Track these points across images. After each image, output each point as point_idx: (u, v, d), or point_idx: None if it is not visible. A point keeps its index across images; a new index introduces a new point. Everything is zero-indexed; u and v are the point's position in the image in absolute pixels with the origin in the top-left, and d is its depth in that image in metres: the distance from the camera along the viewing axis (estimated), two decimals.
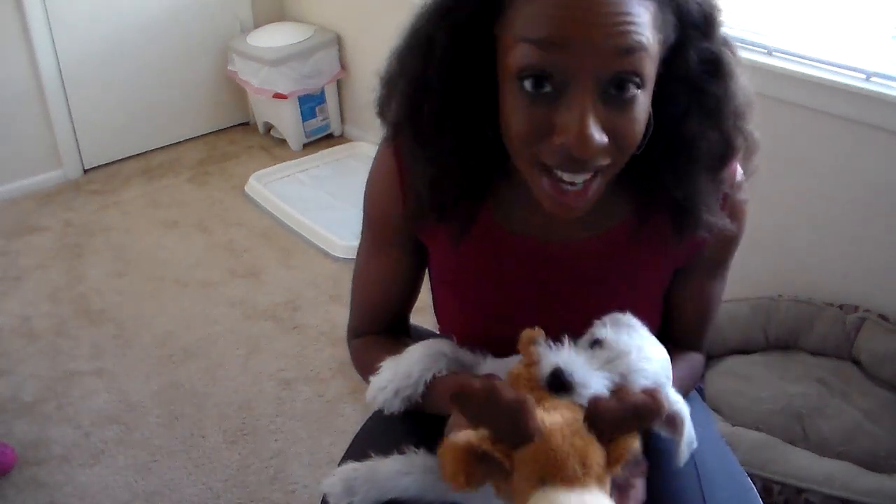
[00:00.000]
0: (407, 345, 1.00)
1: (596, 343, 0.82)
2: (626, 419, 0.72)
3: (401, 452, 0.99)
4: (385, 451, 1.01)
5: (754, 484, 1.51)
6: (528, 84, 0.76)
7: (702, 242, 0.95)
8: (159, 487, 1.85)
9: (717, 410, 1.69)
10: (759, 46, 1.89)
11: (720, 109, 0.83)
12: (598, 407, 0.72)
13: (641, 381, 0.80)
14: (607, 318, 0.85)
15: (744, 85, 0.85)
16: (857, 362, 1.78)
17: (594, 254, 0.95)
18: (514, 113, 0.79)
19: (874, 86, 1.71)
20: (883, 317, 1.77)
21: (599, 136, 0.75)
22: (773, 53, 1.88)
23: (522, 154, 0.81)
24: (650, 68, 0.77)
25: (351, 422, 1.99)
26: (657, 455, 0.93)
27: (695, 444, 0.83)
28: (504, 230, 0.95)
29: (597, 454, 0.71)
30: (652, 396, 0.73)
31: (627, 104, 0.76)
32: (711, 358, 1.86)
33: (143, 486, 1.85)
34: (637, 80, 0.75)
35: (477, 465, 0.71)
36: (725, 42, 0.84)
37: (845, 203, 1.85)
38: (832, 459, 1.53)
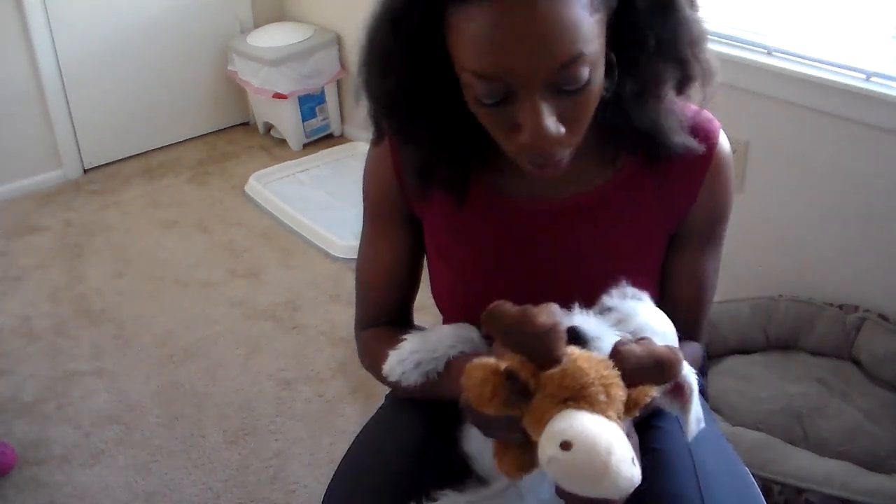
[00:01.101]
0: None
1: (605, 310, 0.84)
2: (648, 367, 0.73)
3: (402, 453, 0.99)
4: (387, 452, 1.01)
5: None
6: (482, 98, 0.80)
7: (691, 196, 0.97)
8: (159, 487, 1.85)
9: (717, 410, 1.69)
10: (759, 46, 1.89)
11: (675, 43, 0.85)
12: (622, 351, 0.74)
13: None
14: (614, 291, 0.87)
15: (696, 17, 0.86)
16: (857, 362, 1.78)
17: (584, 211, 0.97)
18: (477, 113, 0.83)
19: (874, 86, 1.71)
20: (883, 317, 1.77)
21: (556, 128, 0.79)
22: (773, 53, 1.88)
23: (496, 140, 0.85)
24: (594, 53, 0.78)
25: (351, 422, 1.99)
26: (655, 455, 0.93)
27: (703, 423, 0.83)
28: (496, 193, 0.98)
29: (620, 390, 0.72)
30: (672, 350, 0.74)
31: (580, 92, 0.79)
32: (711, 358, 1.86)
33: (143, 486, 1.85)
34: (583, 76, 0.77)
35: (502, 386, 0.72)
36: None
37: (845, 203, 1.85)
38: (832, 459, 1.53)
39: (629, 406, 0.73)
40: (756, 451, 1.54)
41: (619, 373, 0.73)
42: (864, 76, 1.73)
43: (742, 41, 1.92)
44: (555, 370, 0.72)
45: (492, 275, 1.02)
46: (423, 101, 0.87)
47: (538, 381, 0.72)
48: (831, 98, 1.78)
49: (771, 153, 1.94)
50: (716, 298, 1.11)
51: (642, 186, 0.96)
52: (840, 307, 1.83)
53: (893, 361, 1.70)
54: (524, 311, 0.73)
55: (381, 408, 1.14)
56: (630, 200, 0.97)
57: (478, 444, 0.96)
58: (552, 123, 0.78)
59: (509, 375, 0.72)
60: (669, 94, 0.88)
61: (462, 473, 0.99)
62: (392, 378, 0.95)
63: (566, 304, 0.83)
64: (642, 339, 0.77)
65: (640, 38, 0.83)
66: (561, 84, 0.77)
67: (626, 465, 0.68)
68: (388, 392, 1.18)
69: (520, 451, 0.78)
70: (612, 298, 0.86)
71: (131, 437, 1.99)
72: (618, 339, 0.79)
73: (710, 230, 1.02)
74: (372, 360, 1.08)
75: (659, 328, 0.85)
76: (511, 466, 0.79)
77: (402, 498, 0.95)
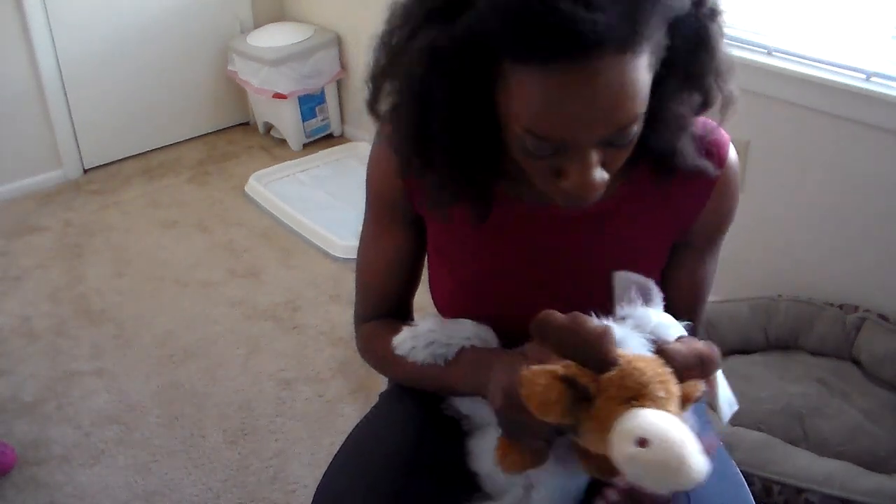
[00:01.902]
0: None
1: (620, 319, 0.86)
2: (694, 363, 0.76)
3: (395, 450, 0.99)
4: (380, 448, 1.01)
5: (754, 484, 1.52)
6: (530, 149, 0.78)
7: (699, 207, 0.97)
8: (159, 487, 1.85)
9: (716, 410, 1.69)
10: (759, 46, 1.89)
11: (703, 76, 0.84)
12: (669, 350, 0.76)
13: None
14: (622, 279, 0.89)
15: (726, 49, 0.86)
16: (857, 362, 1.78)
17: (594, 218, 0.96)
18: (520, 156, 0.81)
19: (874, 86, 1.71)
20: (883, 317, 1.77)
21: (601, 177, 0.79)
22: (773, 53, 1.88)
23: (529, 172, 0.84)
24: (644, 103, 0.77)
25: (351, 422, 1.97)
26: None
27: (735, 405, 0.85)
28: (503, 197, 0.96)
29: (675, 386, 0.75)
30: (710, 346, 0.77)
31: (626, 145, 0.79)
32: None
33: (143, 486, 1.85)
34: (635, 127, 0.77)
35: (565, 392, 0.73)
36: (712, 12, 0.83)
37: (845, 203, 1.85)
38: (832, 459, 1.53)
39: (683, 401, 0.76)
40: (756, 451, 1.54)
41: (672, 370, 0.75)
42: (864, 76, 1.73)
43: (742, 41, 1.92)
44: (613, 373, 0.73)
45: (493, 277, 1.01)
46: (457, 137, 0.84)
47: (598, 384, 0.74)
48: (831, 98, 1.78)
49: (771, 153, 1.94)
50: (716, 298, 1.11)
51: (650, 196, 0.96)
52: (840, 307, 1.83)
53: (893, 361, 1.70)
54: (575, 319, 0.74)
55: (374, 406, 1.14)
56: (637, 209, 0.97)
57: (489, 465, 0.96)
58: (599, 174, 0.78)
59: (571, 381, 0.73)
60: (688, 121, 0.88)
61: (455, 472, 0.99)
62: (399, 351, 0.95)
63: (571, 305, 0.83)
64: (680, 338, 0.80)
65: (671, 72, 0.82)
66: (613, 140, 0.77)
67: (697, 456, 0.70)
68: (382, 391, 1.19)
69: (525, 450, 0.82)
70: (625, 308, 0.87)
71: (131, 437, 1.99)
72: (641, 341, 0.81)
73: (713, 238, 1.03)
74: (372, 353, 1.10)
75: (673, 330, 0.86)
76: (516, 465, 0.83)
77: (394, 495, 0.95)
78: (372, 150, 1.03)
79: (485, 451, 0.96)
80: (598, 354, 0.74)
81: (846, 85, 1.74)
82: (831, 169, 1.84)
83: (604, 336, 0.74)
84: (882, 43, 1.78)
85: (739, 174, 1.00)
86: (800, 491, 1.48)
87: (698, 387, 0.77)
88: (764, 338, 1.87)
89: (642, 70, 0.74)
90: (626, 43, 0.71)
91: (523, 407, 0.76)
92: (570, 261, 0.99)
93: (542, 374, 0.74)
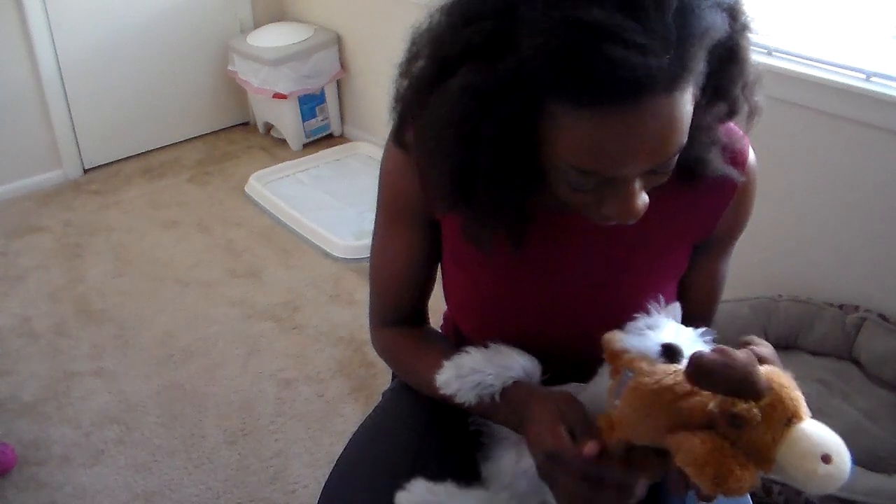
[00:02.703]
0: (431, 338, 1.06)
1: (648, 328, 0.87)
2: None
3: (400, 453, 0.99)
4: (385, 448, 1.01)
5: None
6: (574, 186, 0.78)
7: (719, 212, 0.97)
8: (159, 487, 1.85)
9: None
10: (759, 46, 1.89)
11: (729, 86, 0.84)
12: (761, 356, 0.80)
13: None
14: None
15: (754, 62, 0.85)
16: (857, 362, 1.78)
17: (619, 228, 0.94)
18: (561, 188, 0.81)
19: (874, 86, 1.71)
20: (883, 317, 1.77)
21: (643, 203, 0.79)
22: (773, 53, 1.88)
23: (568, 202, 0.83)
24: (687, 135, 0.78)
25: (351, 422, 1.99)
26: None
27: None
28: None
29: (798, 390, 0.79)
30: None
31: (669, 169, 0.80)
32: None
33: (143, 486, 1.85)
34: (676, 159, 0.78)
35: (736, 451, 0.76)
36: (744, 26, 0.82)
37: (845, 203, 1.85)
38: None
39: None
40: None
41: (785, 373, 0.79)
42: (864, 76, 1.73)
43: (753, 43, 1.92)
44: (767, 399, 0.76)
45: (513, 286, 1.00)
46: (502, 174, 0.81)
47: (762, 411, 0.75)
48: (831, 98, 1.78)
49: (771, 153, 1.94)
50: None
51: (672, 202, 0.94)
52: (840, 307, 1.83)
53: (893, 361, 1.70)
54: (725, 355, 0.76)
55: (378, 405, 1.14)
56: (659, 215, 0.94)
57: (506, 480, 0.97)
58: (642, 202, 0.79)
59: (739, 420, 0.75)
60: (715, 131, 0.88)
61: (461, 470, 0.99)
62: (446, 392, 0.93)
63: (592, 315, 0.87)
64: (745, 343, 0.84)
65: (702, 86, 0.81)
66: (657, 170, 0.78)
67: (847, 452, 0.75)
68: (385, 390, 1.19)
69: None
70: (651, 317, 0.89)
71: (131, 437, 1.99)
72: (699, 345, 0.84)
73: (730, 240, 1.03)
74: (394, 362, 1.11)
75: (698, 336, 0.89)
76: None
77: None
78: (387, 152, 1.00)
79: (501, 464, 0.96)
80: (756, 385, 0.75)
81: (846, 85, 1.74)
82: (831, 169, 1.84)
83: (755, 365, 0.76)
84: (882, 43, 1.78)
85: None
86: (800, 491, 1.48)
87: (789, 374, 0.81)
88: (764, 338, 1.85)
89: (688, 104, 0.74)
90: (675, 82, 0.71)
91: (566, 467, 0.81)
92: (593, 268, 0.98)
93: (705, 452, 0.75)
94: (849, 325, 1.79)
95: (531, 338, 0.97)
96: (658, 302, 0.92)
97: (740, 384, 0.75)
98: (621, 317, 0.91)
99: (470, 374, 0.92)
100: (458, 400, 0.93)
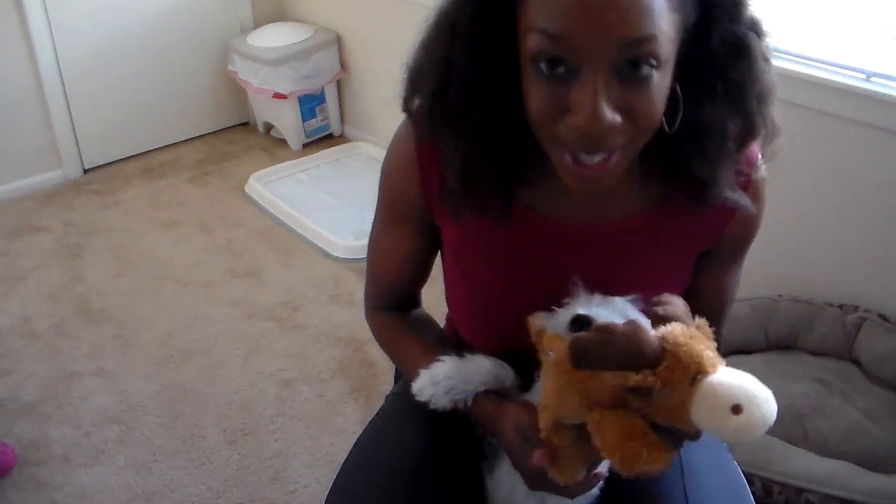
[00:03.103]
0: (416, 327, 1.09)
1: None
2: (684, 306, 0.84)
3: (405, 455, 0.99)
4: (389, 459, 1.01)
5: (754, 484, 1.51)
6: (543, 66, 0.77)
7: (725, 223, 0.96)
8: (159, 487, 1.85)
9: None
10: None
11: (742, 92, 0.83)
12: (666, 309, 0.81)
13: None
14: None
15: (768, 68, 0.85)
16: (857, 362, 1.78)
17: (619, 237, 0.95)
18: (532, 93, 0.80)
19: (874, 86, 1.71)
20: (883, 317, 1.77)
21: (611, 116, 0.76)
22: (774, 53, 1.87)
23: (542, 132, 0.82)
24: (666, 50, 0.77)
25: (351, 422, 1.99)
26: None
27: None
28: (529, 209, 0.95)
29: (709, 340, 0.77)
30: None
31: (642, 83, 0.76)
32: None
33: (143, 486, 1.85)
34: (652, 61, 0.76)
35: (649, 429, 0.75)
36: (753, 24, 0.83)
37: (845, 203, 1.85)
38: (832, 459, 1.53)
39: (709, 339, 0.79)
40: (756, 451, 1.54)
41: (691, 327, 0.78)
42: (864, 76, 1.73)
43: (769, 51, 1.92)
44: (667, 362, 0.74)
45: (509, 289, 1.00)
46: (481, 80, 0.84)
47: (661, 378, 0.74)
48: (831, 98, 1.78)
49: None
50: None
51: (679, 214, 0.94)
52: (840, 307, 1.83)
53: (893, 361, 1.70)
54: (602, 330, 0.75)
55: (381, 410, 1.14)
56: (665, 227, 0.95)
57: (506, 489, 0.98)
58: (608, 109, 0.76)
59: (635, 390, 0.74)
60: (731, 150, 0.87)
61: (465, 477, 0.99)
62: (421, 398, 0.95)
63: None
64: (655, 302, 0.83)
65: (709, 80, 0.81)
66: (625, 66, 0.75)
67: (768, 393, 0.73)
68: (388, 394, 1.19)
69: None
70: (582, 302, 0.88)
71: (131, 437, 1.99)
72: (613, 314, 0.82)
73: (739, 249, 1.02)
74: (384, 346, 1.14)
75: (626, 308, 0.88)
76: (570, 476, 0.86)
77: (407, 498, 0.95)
78: (389, 153, 1.01)
79: (502, 476, 0.98)
80: (644, 355, 0.74)
81: (846, 85, 1.74)
82: (831, 169, 1.84)
83: (637, 334, 0.74)
84: (882, 43, 1.78)
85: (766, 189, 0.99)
86: (800, 491, 1.48)
87: (704, 323, 0.80)
88: (764, 338, 1.87)
89: None
90: None
91: (554, 483, 0.85)
92: (592, 275, 0.97)
93: (620, 428, 0.75)
94: (849, 325, 1.79)
95: (524, 343, 0.97)
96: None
97: (626, 357, 0.74)
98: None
99: (443, 380, 0.95)
100: (432, 406, 0.95)
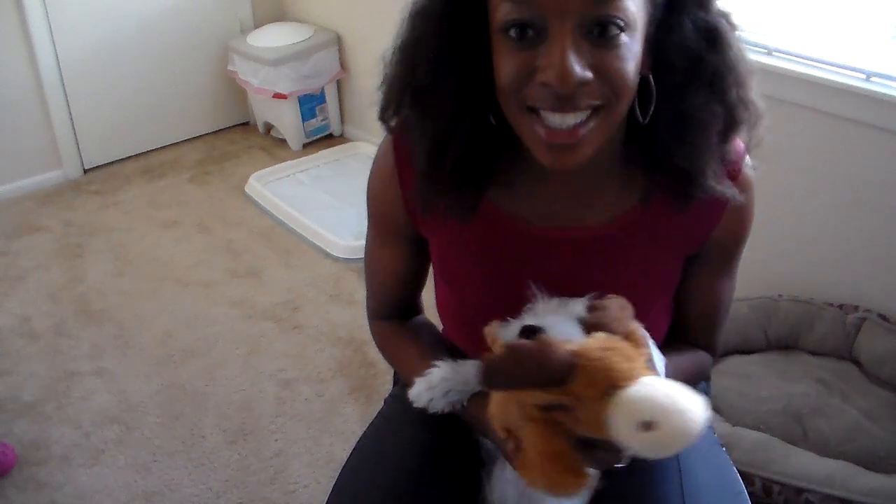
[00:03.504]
0: (414, 335, 1.08)
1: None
2: (618, 310, 0.80)
3: (403, 458, 0.99)
4: (387, 458, 1.01)
5: (754, 484, 1.52)
6: (512, 32, 0.78)
7: (712, 223, 0.95)
8: (159, 487, 1.85)
9: (717, 410, 1.69)
10: (759, 46, 1.89)
11: (720, 79, 0.83)
12: (596, 317, 0.79)
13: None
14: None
15: (744, 55, 0.85)
16: (857, 362, 1.78)
17: (602, 241, 0.95)
18: (502, 63, 0.81)
19: (874, 86, 1.71)
20: (883, 317, 1.77)
21: (581, 70, 0.76)
22: (773, 53, 1.88)
23: (512, 104, 0.82)
24: (633, 12, 0.77)
25: (351, 422, 1.99)
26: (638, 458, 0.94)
27: (663, 358, 0.86)
28: (508, 215, 0.95)
29: (629, 348, 0.75)
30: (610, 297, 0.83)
31: (612, 44, 0.77)
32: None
33: (143, 486, 1.85)
34: (619, 22, 0.76)
35: (569, 450, 0.73)
36: (722, 13, 0.85)
37: (845, 203, 1.85)
38: (832, 459, 1.53)
39: (639, 347, 0.76)
40: (756, 451, 1.54)
41: (611, 334, 0.75)
42: (864, 76, 1.73)
43: (742, 41, 1.92)
44: (577, 378, 0.72)
45: (494, 296, 1.00)
46: (450, 59, 0.84)
47: (572, 394, 0.73)
48: (831, 98, 1.78)
49: (770, 153, 1.94)
50: None
51: (665, 215, 0.93)
52: (840, 307, 1.83)
53: (893, 361, 1.70)
54: (511, 349, 0.74)
55: (379, 413, 1.14)
56: (650, 230, 0.95)
57: (499, 493, 0.98)
58: (578, 64, 0.76)
59: (550, 408, 0.73)
60: (714, 139, 0.86)
61: (463, 483, 0.99)
62: (418, 404, 0.95)
63: None
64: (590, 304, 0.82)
65: (685, 68, 0.82)
66: (594, 28, 0.76)
67: (693, 402, 0.70)
68: (387, 396, 1.19)
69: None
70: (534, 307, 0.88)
71: (131, 437, 1.99)
72: (567, 321, 0.81)
73: (729, 252, 1.00)
74: (385, 354, 1.15)
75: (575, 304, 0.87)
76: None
77: None
78: (373, 171, 1.03)
79: (496, 479, 0.98)
80: (553, 373, 0.72)
81: (846, 85, 1.74)
82: (831, 169, 1.84)
83: (546, 352, 0.73)
84: (882, 43, 1.78)
85: (755, 191, 0.97)
86: (800, 491, 1.48)
87: (635, 329, 0.78)
88: (764, 338, 1.87)
89: None
90: None
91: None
92: (580, 284, 0.96)
93: (542, 454, 0.74)
94: (849, 325, 1.79)
95: None
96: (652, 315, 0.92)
97: (535, 376, 0.73)
98: None
99: (440, 383, 0.95)
100: (431, 410, 0.95)
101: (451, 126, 0.87)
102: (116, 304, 2.48)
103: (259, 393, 2.11)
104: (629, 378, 0.72)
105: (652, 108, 0.84)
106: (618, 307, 0.80)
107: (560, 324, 0.81)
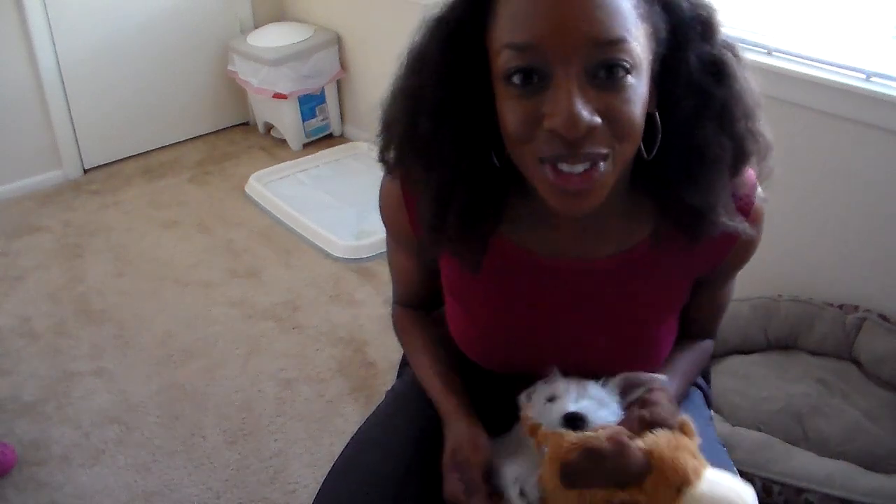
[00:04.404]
0: (430, 325, 1.13)
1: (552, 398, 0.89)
2: (670, 407, 0.86)
3: (399, 454, 0.99)
4: (383, 452, 1.01)
5: (754, 484, 1.51)
6: (515, 79, 0.77)
7: (723, 253, 0.95)
8: (159, 487, 1.85)
9: (717, 410, 1.69)
10: (759, 46, 1.89)
11: (728, 113, 0.83)
12: (653, 414, 0.84)
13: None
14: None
15: (750, 87, 0.84)
16: (857, 362, 1.78)
17: (610, 274, 0.94)
18: (507, 111, 0.79)
19: (874, 86, 1.71)
20: (883, 317, 1.77)
21: (589, 115, 0.75)
22: (773, 53, 1.88)
23: (521, 153, 0.81)
24: (638, 55, 0.76)
25: (351, 422, 1.99)
26: None
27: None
28: (519, 248, 0.95)
29: (693, 444, 0.80)
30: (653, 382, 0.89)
31: (618, 86, 0.76)
32: (712, 358, 1.86)
33: (143, 486, 1.85)
34: (625, 64, 0.75)
35: None
36: (727, 45, 0.83)
37: (845, 203, 1.85)
38: (832, 459, 1.53)
39: (692, 437, 0.82)
40: (756, 451, 1.54)
41: (675, 432, 0.81)
42: (864, 76, 1.73)
43: (742, 41, 1.91)
44: (651, 476, 0.77)
45: (504, 322, 1.00)
46: (451, 110, 0.84)
47: (645, 492, 0.77)
48: (831, 98, 1.77)
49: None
50: None
51: (674, 248, 0.93)
52: (840, 307, 1.83)
53: (893, 361, 1.70)
54: (589, 451, 0.77)
55: (380, 405, 1.14)
56: (661, 261, 0.94)
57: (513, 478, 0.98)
58: (585, 108, 0.75)
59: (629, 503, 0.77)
60: (724, 174, 0.85)
61: None
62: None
63: (590, 351, 0.91)
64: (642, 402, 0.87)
65: (692, 103, 0.81)
66: (600, 71, 0.75)
67: (750, 494, 0.78)
68: (388, 389, 1.19)
69: None
70: (550, 384, 0.91)
71: (131, 437, 1.99)
72: (606, 411, 0.86)
73: (736, 270, 1.02)
74: (397, 335, 1.18)
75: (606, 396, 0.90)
76: None
77: (392, 499, 0.95)
78: (382, 188, 1.02)
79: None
80: (629, 472, 0.76)
81: (846, 85, 1.74)
82: (831, 169, 1.84)
83: (622, 453, 0.76)
84: (882, 43, 1.78)
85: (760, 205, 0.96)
86: (800, 491, 1.48)
87: (687, 420, 0.82)
88: (764, 338, 1.87)
89: (624, 2, 0.75)
90: None
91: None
92: (589, 312, 0.97)
93: None
94: (849, 325, 1.79)
95: (526, 369, 0.97)
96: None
97: (613, 476, 0.77)
98: (620, 351, 0.94)
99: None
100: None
101: (454, 176, 0.87)
102: (116, 304, 2.48)
103: (259, 393, 2.11)
104: (698, 474, 0.77)
105: (658, 145, 0.83)
106: (666, 398, 0.86)
107: (596, 410, 0.85)
